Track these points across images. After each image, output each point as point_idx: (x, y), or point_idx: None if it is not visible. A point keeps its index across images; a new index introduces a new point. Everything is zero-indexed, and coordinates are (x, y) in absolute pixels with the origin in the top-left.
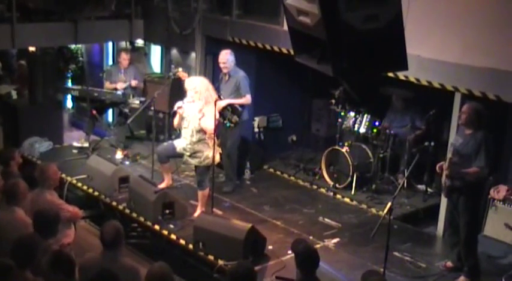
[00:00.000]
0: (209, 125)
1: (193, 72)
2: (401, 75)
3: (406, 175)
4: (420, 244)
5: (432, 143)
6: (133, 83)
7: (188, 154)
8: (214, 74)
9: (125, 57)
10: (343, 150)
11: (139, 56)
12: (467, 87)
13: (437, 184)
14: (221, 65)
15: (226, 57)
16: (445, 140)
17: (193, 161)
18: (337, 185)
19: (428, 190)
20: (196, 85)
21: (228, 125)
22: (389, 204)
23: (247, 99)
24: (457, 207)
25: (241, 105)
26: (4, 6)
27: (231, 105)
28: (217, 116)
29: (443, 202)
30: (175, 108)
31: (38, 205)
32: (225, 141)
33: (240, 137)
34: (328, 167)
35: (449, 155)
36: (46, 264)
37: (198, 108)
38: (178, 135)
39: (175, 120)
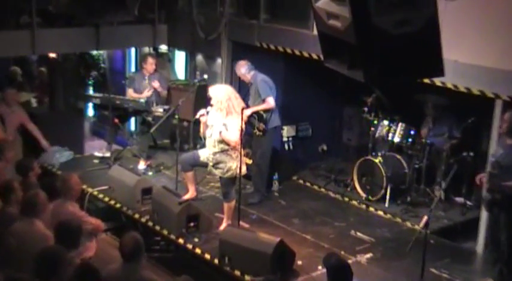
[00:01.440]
0: (232, 137)
1: (219, 79)
2: (437, 81)
3: (443, 186)
4: (459, 260)
5: (471, 154)
6: (156, 85)
7: (211, 164)
8: (241, 81)
9: (151, 62)
10: (376, 160)
11: (163, 62)
12: (509, 94)
13: (476, 196)
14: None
15: (238, 71)
16: (485, 150)
17: (217, 172)
18: (370, 197)
19: (467, 202)
20: (218, 94)
21: (256, 134)
22: (425, 217)
23: (267, 103)
24: (498, 221)
25: (267, 111)
26: (26, 13)
27: (256, 112)
28: (243, 125)
29: (484, 215)
30: (197, 116)
31: (59, 217)
32: (256, 150)
33: (270, 146)
34: (361, 179)
35: (489, 167)
36: (72, 277)
37: (219, 118)
38: (204, 145)
39: (201, 128)
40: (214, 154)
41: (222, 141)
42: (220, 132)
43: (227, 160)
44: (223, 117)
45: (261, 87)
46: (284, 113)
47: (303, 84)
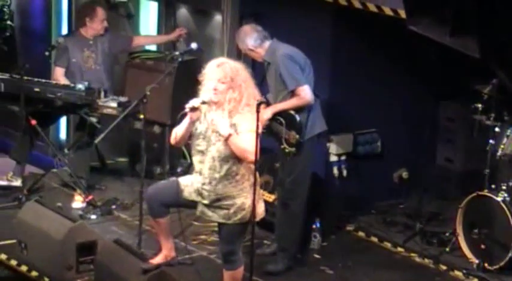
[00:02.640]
0: (250, 145)
1: (218, 52)
2: None
3: None
4: None
5: None
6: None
7: (206, 201)
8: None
9: (102, 16)
10: (499, 198)
11: (118, 19)
12: None
13: None
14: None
15: (241, 43)
16: None
17: (216, 215)
18: (486, 265)
19: None
20: (229, 71)
21: (286, 150)
22: None
23: (300, 96)
24: None
25: (300, 109)
26: None
27: (282, 113)
28: (260, 132)
29: None
30: (187, 109)
31: None
32: (283, 177)
33: (309, 171)
34: (470, 231)
35: None
36: None
37: (222, 119)
38: (188, 168)
39: (178, 131)
40: (213, 182)
41: (228, 157)
42: (228, 138)
43: (235, 192)
44: (230, 117)
45: (286, 69)
46: (331, 111)
47: (365, 61)
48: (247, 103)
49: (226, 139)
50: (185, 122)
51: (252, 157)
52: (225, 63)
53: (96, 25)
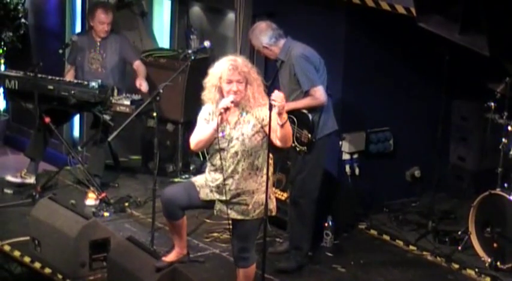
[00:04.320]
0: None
1: (231, 50)
2: None
3: None
4: None
5: None
6: (143, 88)
7: (225, 197)
8: (267, 58)
9: (103, 17)
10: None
11: (132, 17)
12: None
13: None
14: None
15: (255, 40)
16: None
17: (234, 212)
18: (498, 264)
19: None
20: (244, 68)
21: (297, 149)
22: None
23: (313, 97)
24: None
25: (313, 109)
26: None
27: (293, 112)
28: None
29: None
30: (227, 103)
31: None
32: (294, 176)
33: (321, 170)
34: (483, 229)
35: None
36: None
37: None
38: (201, 166)
39: (202, 136)
40: (236, 176)
41: (252, 151)
42: (286, 122)
43: (255, 187)
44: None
45: (301, 70)
46: (344, 110)
47: (378, 59)
48: (263, 94)
49: (283, 125)
50: (211, 126)
51: (291, 142)
52: (235, 61)
53: (95, 26)
